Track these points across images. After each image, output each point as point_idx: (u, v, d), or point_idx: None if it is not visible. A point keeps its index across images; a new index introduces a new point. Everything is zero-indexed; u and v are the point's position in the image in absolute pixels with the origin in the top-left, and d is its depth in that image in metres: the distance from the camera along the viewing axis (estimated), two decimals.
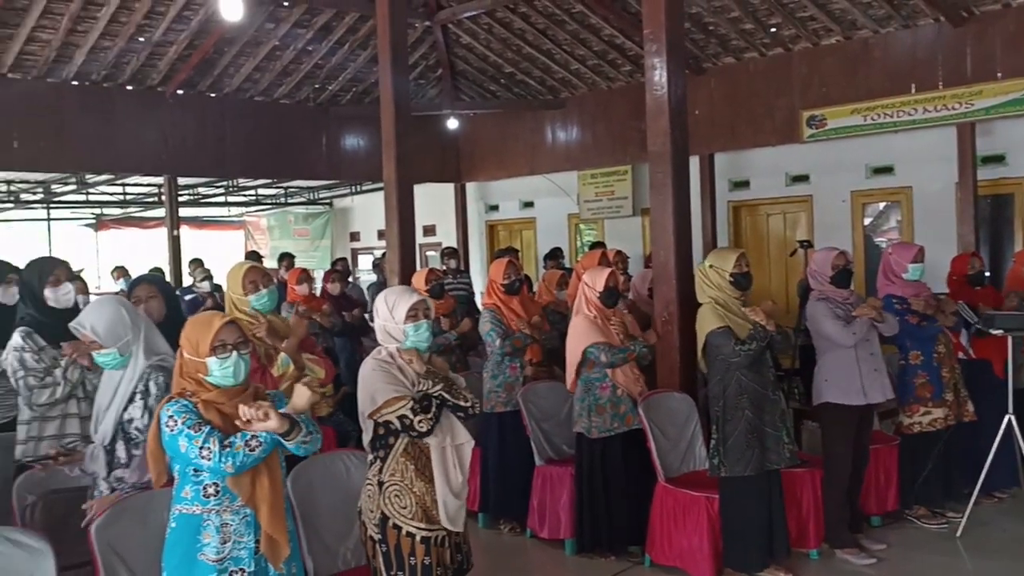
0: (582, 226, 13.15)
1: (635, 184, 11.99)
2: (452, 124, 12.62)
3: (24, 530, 2.88)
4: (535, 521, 5.18)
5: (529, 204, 13.80)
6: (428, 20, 10.56)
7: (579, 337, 4.74)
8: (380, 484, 3.13)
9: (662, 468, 4.70)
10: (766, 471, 4.32)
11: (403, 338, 3.17)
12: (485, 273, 13.01)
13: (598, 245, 9.59)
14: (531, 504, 5.20)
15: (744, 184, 11.19)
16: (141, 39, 9.49)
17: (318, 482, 3.51)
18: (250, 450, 2.58)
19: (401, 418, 3.07)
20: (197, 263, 9.85)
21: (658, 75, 5.42)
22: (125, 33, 9.23)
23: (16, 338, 3.85)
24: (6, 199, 14.39)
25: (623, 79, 11.26)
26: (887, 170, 9.90)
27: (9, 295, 4.70)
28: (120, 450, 3.20)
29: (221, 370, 2.69)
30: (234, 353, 2.71)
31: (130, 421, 3.21)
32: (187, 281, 10.27)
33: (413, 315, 3.17)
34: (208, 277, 9.05)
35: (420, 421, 3.05)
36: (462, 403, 3.15)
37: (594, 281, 4.76)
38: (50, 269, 4.00)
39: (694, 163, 8.88)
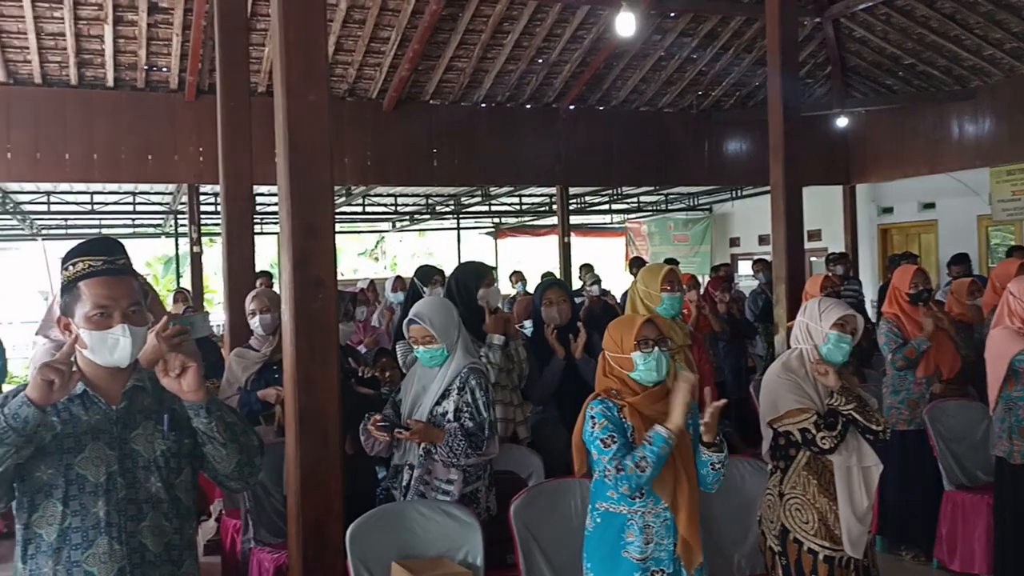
0: (993, 229, 11.73)
1: None
2: (841, 123, 11.96)
3: (457, 505, 3.26)
4: (943, 551, 4.74)
5: (929, 205, 12.63)
6: (818, 16, 10.15)
7: (1001, 350, 4.24)
8: (781, 495, 3.08)
9: None
10: None
11: (822, 343, 3.10)
12: (875, 280, 12.16)
13: (1017, 251, 8.52)
14: (939, 532, 4.76)
15: None
16: (540, 61, 10.26)
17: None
18: (640, 471, 2.63)
19: (803, 431, 2.99)
20: (588, 268, 10.41)
21: None
22: (527, 57, 10.05)
23: None
24: (424, 211, 16.34)
25: None
26: None
27: (435, 295, 5.36)
28: None
29: (645, 364, 2.77)
30: (656, 349, 2.79)
31: (444, 414, 3.36)
32: (575, 285, 10.88)
33: (840, 325, 3.10)
34: (597, 281, 9.50)
35: (823, 438, 2.95)
36: (873, 426, 2.99)
37: (1022, 291, 4.24)
38: (485, 272, 4.44)
39: None
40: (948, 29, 9.88)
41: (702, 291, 8.14)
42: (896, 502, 5.02)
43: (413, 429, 3.25)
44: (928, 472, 4.82)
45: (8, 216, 13.83)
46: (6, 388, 6.60)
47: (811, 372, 3.09)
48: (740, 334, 7.47)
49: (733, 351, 7.33)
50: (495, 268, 4.94)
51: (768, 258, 8.28)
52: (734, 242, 16.73)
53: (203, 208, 10.86)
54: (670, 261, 10.63)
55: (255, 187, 6.81)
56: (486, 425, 3.33)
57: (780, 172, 7.30)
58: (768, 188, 7.22)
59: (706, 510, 3.45)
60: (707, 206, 17.18)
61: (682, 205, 17.22)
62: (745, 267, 15.31)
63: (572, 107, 11.33)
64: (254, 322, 4.50)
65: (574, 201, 15.68)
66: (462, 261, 4.92)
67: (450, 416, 3.33)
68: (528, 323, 4.91)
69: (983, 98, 10.89)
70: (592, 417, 2.76)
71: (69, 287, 2.09)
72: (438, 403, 3.37)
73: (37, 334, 2.96)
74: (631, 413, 2.76)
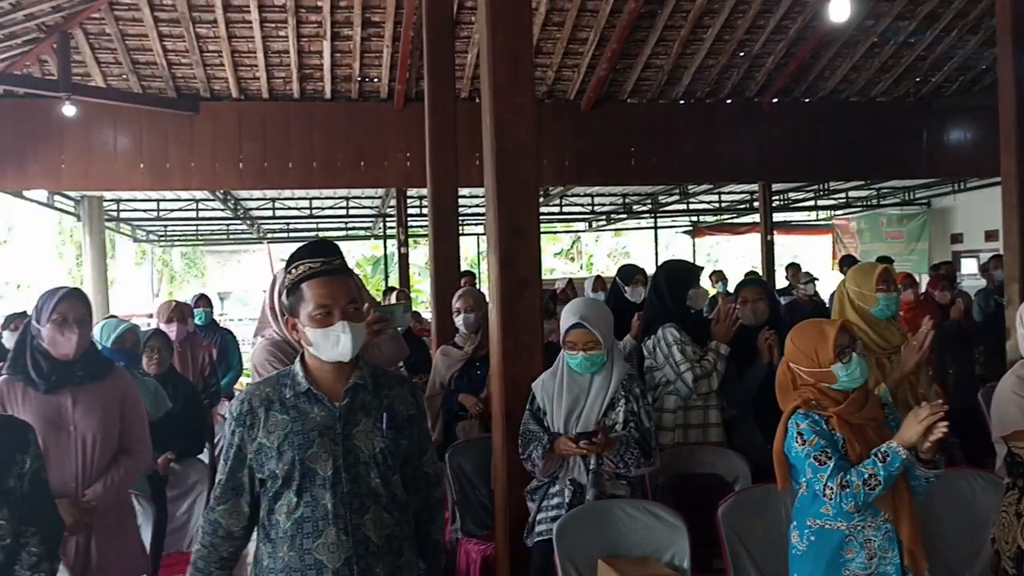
0: None
1: None
2: None
3: (663, 506, 3.22)
4: None
5: None
6: None
7: None
8: (1019, 516, 2.81)
9: None
10: None
11: None
12: None
13: None
14: None
15: None
16: (742, 54, 9.97)
17: (940, 499, 3.29)
18: (869, 489, 2.48)
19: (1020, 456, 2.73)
20: (795, 267, 10.02)
21: None
22: (728, 50, 9.79)
23: (673, 332, 4.06)
24: (621, 210, 16.31)
25: None
26: None
27: (636, 294, 5.33)
28: None
29: (847, 375, 2.63)
30: (853, 355, 2.65)
31: (612, 425, 3.26)
32: (779, 284, 10.50)
33: None
34: (812, 280, 9.12)
35: None
36: None
37: None
38: (697, 272, 4.36)
39: None
40: None
41: (922, 291, 7.61)
42: None
43: (597, 441, 3.11)
44: None
45: (239, 221, 15.10)
46: (244, 381, 7.19)
47: None
48: (967, 339, 6.89)
49: (960, 357, 6.77)
50: (702, 268, 4.85)
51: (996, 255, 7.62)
52: (956, 238, 15.48)
53: (409, 211, 11.38)
54: (883, 259, 10.01)
55: (459, 189, 7.07)
56: (650, 434, 3.27)
57: (1013, 161, 6.68)
58: (998, 179, 6.62)
59: (934, 526, 3.23)
60: (924, 200, 16.01)
61: (896, 200, 16.16)
62: (969, 265, 14.17)
63: (775, 100, 10.91)
64: (459, 320, 4.66)
65: (777, 198, 15.12)
66: (667, 260, 4.84)
67: (619, 426, 3.25)
68: None
69: None
70: (800, 433, 2.61)
71: (293, 289, 2.22)
72: (606, 412, 3.27)
73: (255, 336, 3.18)
74: (839, 424, 2.61)
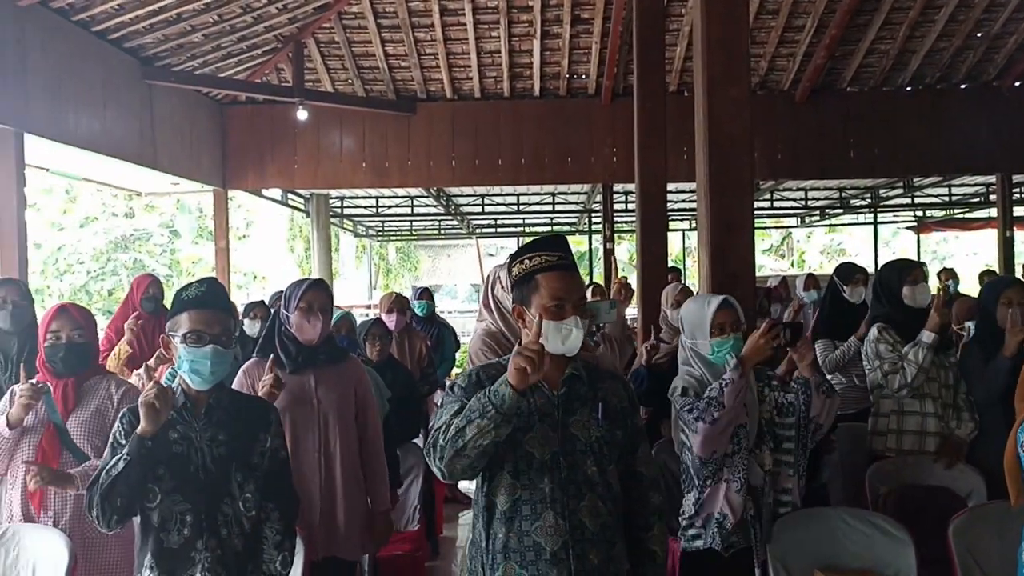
0: None
1: None
2: None
3: (887, 518, 3.04)
4: None
5: None
6: None
7: None
8: None
9: None
10: None
11: None
12: None
13: None
14: None
15: None
16: (979, 34, 9.18)
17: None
18: None
19: None
20: None
21: None
22: (962, 32, 9.05)
23: (874, 332, 4.01)
24: (836, 205, 15.49)
25: None
26: None
27: (856, 294, 5.04)
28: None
29: None
30: None
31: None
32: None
33: None
34: None
35: None
36: None
37: None
38: (911, 267, 4.12)
39: None
40: None
41: None
42: None
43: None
44: None
45: (450, 217, 15.72)
46: (456, 372, 7.47)
47: None
48: None
49: None
50: (923, 265, 4.53)
51: None
52: None
53: (614, 206, 11.38)
54: None
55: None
56: None
57: None
58: None
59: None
60: None
61: None
62: None
63: (1018, 84, 9.95)
64: (672, 315, 4.61)
65: (1018, 190, 13.80)
66: (886, 259, 4.55)
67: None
68: (970, 324, 4.41)
69: None
70: None
71: (527, 278, 2.25)
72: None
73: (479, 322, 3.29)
74: None
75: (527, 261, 2.27)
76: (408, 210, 14.91)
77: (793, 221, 18.54)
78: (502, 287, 3.09)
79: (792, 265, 25.28)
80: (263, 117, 10.30)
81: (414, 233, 19.01)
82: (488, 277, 3.23)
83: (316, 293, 3.22)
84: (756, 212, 15.36)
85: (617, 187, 11.31)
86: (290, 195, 12.60)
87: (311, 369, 3.23)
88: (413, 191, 12.99)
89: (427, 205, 14.43)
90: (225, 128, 10.31)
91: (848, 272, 5.16)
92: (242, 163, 10.37)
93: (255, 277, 20.91)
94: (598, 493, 2.22)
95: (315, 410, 3.22)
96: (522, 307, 2.27)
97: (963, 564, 2.87)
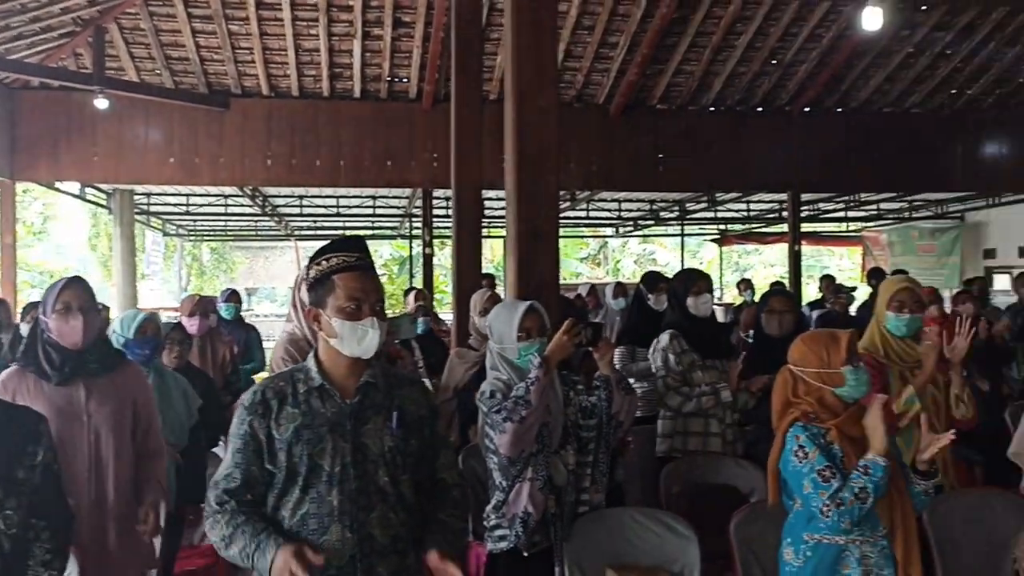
0: None
1: None
2: None
3: (675, 516, 3.18)
4: None
5: None
6: None
7: None
8: None
9: None
10: None
11: None
12: None
13: None
14: None
15: None
16: (773, 62, 9.88)
17: (959, 517, 3.22)
18: (861, 503, 2.47)
19: None
20: (830, 279, 9.90)
21: None
22: (759, 58, 9.70)
23: (664, 339, 4.25)
24: (648, 217, 16.22)
25: None
26: None
27: (659, 302, 5.28)
28: None
29: (856, 379, 2.62)
30: (861, 364, 2.66)
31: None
32: (810, 295, 10.37)
33: None
34: (848, 292, 9.05)
35: None
36: None
37: None
38: (694, 281, 4.35)
39: None
40: None
41: (947, 307, 7.47)
42: None
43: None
44: None
45: (267, 218, 15.21)
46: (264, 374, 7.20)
47: None
48: (996, 356, 6.75)
49: (987, 375, 6.64)
50: (707, 276, 4.82)
51: None
52: (989, 254, 15.24)
53: (435, 212, 11.39)
54: (875, 273, 9.80)
55: (485, 191, 7.05)
56: None
57: None
58: None
59: (952, 546, 3.17)
60: (958, 214, 15.78)
61: (928, 213, 15.93)
62: (1001, 281, 13.94)
63: (807, 110, 10.80)
64: (479, 322, 4.63)
65: (806, 208, 14.97)
66: (683, 268, 4.84)
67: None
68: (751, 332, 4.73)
69: None
70: (801, 447, 2.58)
71: (322, 280, 2.21)
72: None
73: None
74: (839, 437, 2.58)
75: (324, 262, 2.22)
76: (222, 209, 14.29)
77: (609, 231, 19.26)
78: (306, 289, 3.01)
79: (607, 273, 26.27)
80: (59, 104, 9.58)
81: (229, 233, 18.26)
82: (297, 278, 3.16)
83: (73, 292, 2.92)
84: (573, 221, 15.94)
85: (439, 192, 11.32)
86: (89, 189, 11.76)
87: (81, 379, 2.93)
88: (227, 189, 12.47)
89: (242, 204, 13.89)
90: (14, 114, 9.51)
91: (653, 281, 5.40)
92: (33, 153, 9.60)
93: (51, 276, 19.40)
94: (390, 503, 2.18)
95: (85, 426, 2.92)
96: (318, 309, 2.21)
97: (742, 558, 3.04)
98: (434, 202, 11.29)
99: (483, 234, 6.98)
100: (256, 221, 16.28)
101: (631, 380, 3.64)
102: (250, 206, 13.68)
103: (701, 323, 4.33)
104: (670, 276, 5.37)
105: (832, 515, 2.49)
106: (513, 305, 3.23)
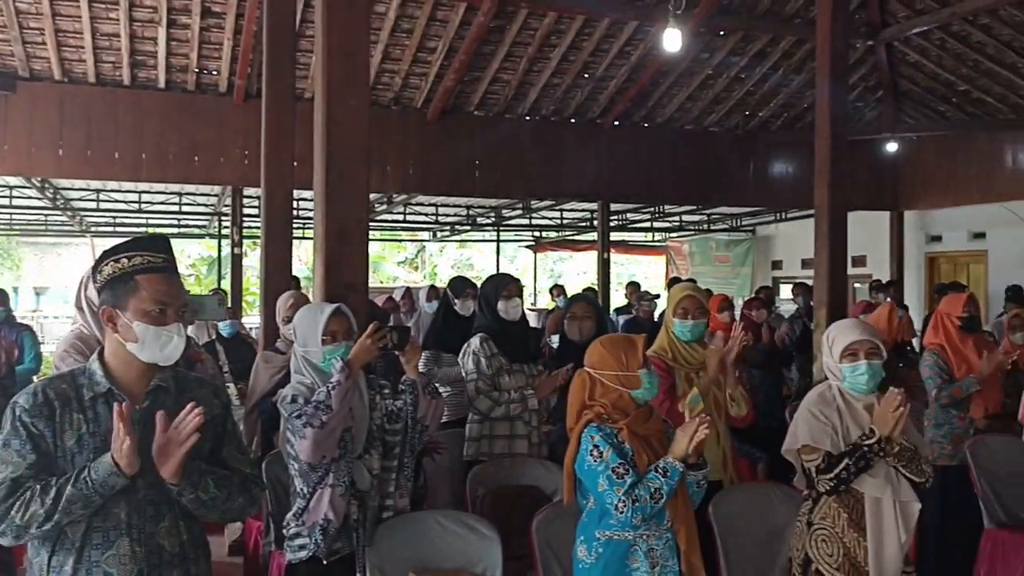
0: None
1: None
2: (891, 148, 11.77)
3: (478, 517, 3.21)
4: None
5: (980, 235, 12.36)
6: (871, 39, 9.99)
7: None
8: (809, 524, 2.99)
9: None
10: None
11: (840, 377, 3.00)
12: (921, 310, 11.90)
13: (956, 287, 8.52)
14: (977, 571, 4.60)
15: None
16: (586, 75, 10.24)
17: (740, 510, 3.45)
18: (655, 502, 2.63)
19: (809, 471, 2.93)
20: (635, 286, 10.35)
21: None
22: (573, 71, 10.02)
23: (475, 342, 4.30)
24: (465, 222, 16.38)
25: None
26: None
27: (465, 307, 5.32)
28: None
29: (649, 382, 2.80)
30: (652, 368, 2.86)
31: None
32: (619, 301, 10.81)
33: (851, 355, 2.97)
34: (652, 299, 9.48)
35: (820, 481, 2.88)
36: (916, 478, 2.91)
37: None
38: (504, 284, 4.43)
39: None
40: (1004, 56, 9.67)
41: (738, 314, 8.01)
42: (936, 539, 4.86)
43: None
44: (969, 509, 4.66)
45: (58, 212, 14.12)
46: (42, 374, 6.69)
47: (838, 402, 2.99)
48: (777, 359, 7.31)
49: (768, 377, 7.18)
50: (518, 281, 4.92)
51: (809, 282, 8.14)
52: (776, 265, 16.52)
53: (247, 211, 10.97)
54: (680, 281, 10.45)
55: (298, 192, 6.86)
56: None
57: (825, 195, 7.19)
58: (813, 211, 7.11)
59: (735, 538, 3.38)
60: (750, 227, 17.00)
61: (725, 225, 17.07)
62: (787, 290, 15.12)
63: (617, 123, 11.27)
64: (285, 327, 4.50)
65: (615, 217, 15.61)
66: (491, 274, 4.91)
67: None
68: (556, 337, 4.88)
69: None
70: (596, 446, 2.71)
71: (123, 278, 2.08)
72: None
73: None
74: (629, 436, 2.74)
75: (124, 260, 2.10)
76: (6, 201, 13.11)
77: (426, 235, 19.29)
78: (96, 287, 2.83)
79: (425, 277, 26.30)
80: None
81: (15, 228, 16.81)
82: (82, 277, 2.99)
83: None
84: (390, 225, 15.81)
85: (250, 191, 10.90)
86: None
87: None
88: (11, 179, 11.47)
89: (30, 197, 12.81)
90: None
91: (459, 287, 5.43)
92: None
93: None
94: (178, 511, 2.10)
95: None
96: (114, 310, 2.09)
97: (543, 556, 3.12)
98: (245, 200, 10.86)
99: (296, 235, 6.79)
100: (46, 215, 15.08)
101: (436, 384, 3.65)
102: (39, 199, 12.64)
103: (511, 327, 4.42)
104: (474, 282, 5.46)
105: (626, 511, 2.62)
106: (319, 307, 3.17)
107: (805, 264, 14.44)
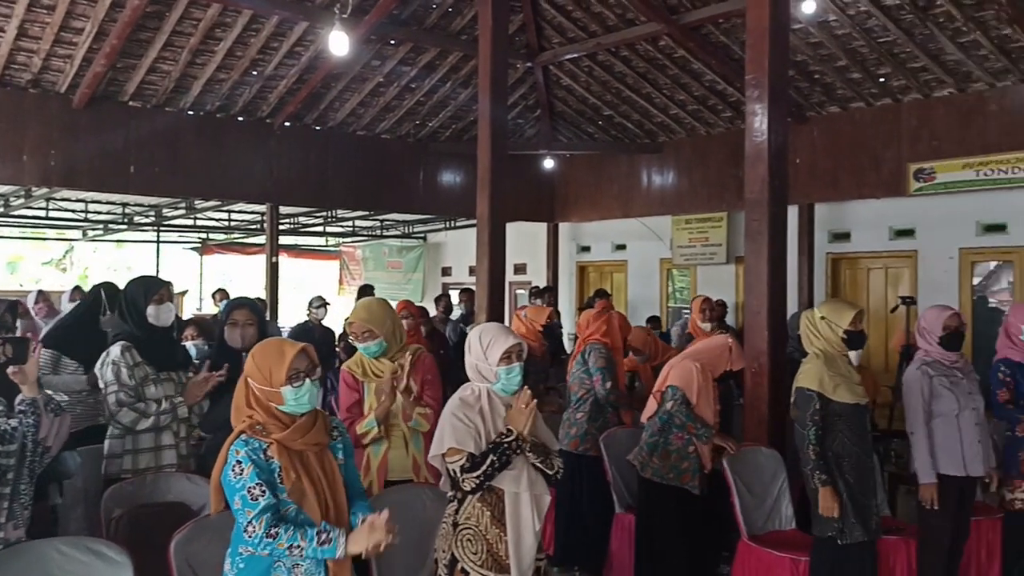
0: (674, 271, 12.99)
1: (730, 231, 11.80)
2: (548, 164, 12.71)
3: (106, 542, 2.94)
4: (611, 570, 5.06)
5: (621, 247, 13.72)
6: (529, 61, 10.70)
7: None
8: (455, 525, 3.08)
9: (745, 525, 4.54)
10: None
11: (495, 380, 3.10)
12: (574, 315, 12.96)
13: (601, 294, 9.66)
14: (609, 552, 5.08)
15: (845, 236, 10.88)
16: (254, 73, 9.87)
17: (393, 514, 3.49)
18: (288, 552, 2.56)
19: (454, 471, 3.04)
20: (320, 299, 10.03)
21: (759, 121, 5.33)
22: (240, 67, 9.62)
23: (115, 351, 3.97)
24: (121, 221, 15.09)
25: (723, 125, 11.16)
26: (999, 228, 9.47)
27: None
28: None
29: (296, 398, 2.67)
30: (307, 381, 2.70)
31: None
32: (288, 308, 10.49)
33: (507, 358, 3.10)
34: (324, 305, 9.29)
35: (465, 480, 2.99)
36: (548, 471, 3.10)
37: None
38: (156, 288, 4.13)
39: (792, 213, 8.73)
40: (641, 87, 10.83)
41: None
42: (569, 525, 5.30)
43: None
44: (602, 495, 5.13)
45: None
46: None
47: (482, 403, 3.12)
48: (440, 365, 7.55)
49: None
50: (169, 284, 4.58)
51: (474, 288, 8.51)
52: (446, 271, 17.12)
53: None
54: (366, 288, 10.47)
55: None
56: None
57: (486, 205, 7.59)
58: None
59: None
60: (422, 234, 17.45)
61: (397, 232, 17.37)
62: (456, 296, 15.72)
63: (287, 124, 11.01)
64: None
65: (287, 221, 15.27)
66: (137, 276, 4.52)
67: None
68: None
69: (669, 152, 12.06)
70: (239, 462, 2.60)
71: None
72: None
73: None
74: (279, 451, 2.64)
75: None
76: None
77: (76, 234, 17.49)
78: None
79: (75, 280, 23.84)
80: None
81: None
82: None
83: None
84: (31, 221, 14.14)
85: None
86: None
87: None
88: None
89: None
90: None
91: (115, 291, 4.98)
92: None
93: None
94: None
95: None
96: None
97: (181, 574, 2.93)
98: None
99: None
100: None
101: (50, 392, 3.27)
102: None
103: (159, 333, 4.14)
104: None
105: (255, 537, 2.53)
106: None
107: (471, 270, 15.11)
